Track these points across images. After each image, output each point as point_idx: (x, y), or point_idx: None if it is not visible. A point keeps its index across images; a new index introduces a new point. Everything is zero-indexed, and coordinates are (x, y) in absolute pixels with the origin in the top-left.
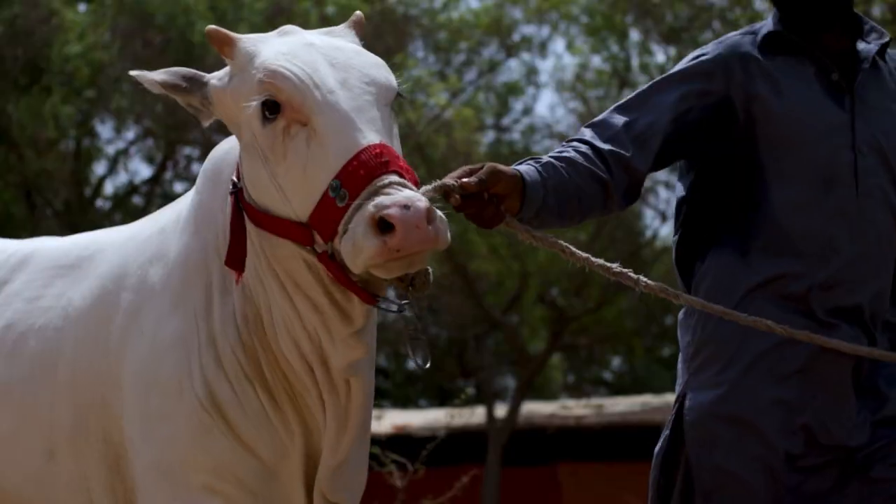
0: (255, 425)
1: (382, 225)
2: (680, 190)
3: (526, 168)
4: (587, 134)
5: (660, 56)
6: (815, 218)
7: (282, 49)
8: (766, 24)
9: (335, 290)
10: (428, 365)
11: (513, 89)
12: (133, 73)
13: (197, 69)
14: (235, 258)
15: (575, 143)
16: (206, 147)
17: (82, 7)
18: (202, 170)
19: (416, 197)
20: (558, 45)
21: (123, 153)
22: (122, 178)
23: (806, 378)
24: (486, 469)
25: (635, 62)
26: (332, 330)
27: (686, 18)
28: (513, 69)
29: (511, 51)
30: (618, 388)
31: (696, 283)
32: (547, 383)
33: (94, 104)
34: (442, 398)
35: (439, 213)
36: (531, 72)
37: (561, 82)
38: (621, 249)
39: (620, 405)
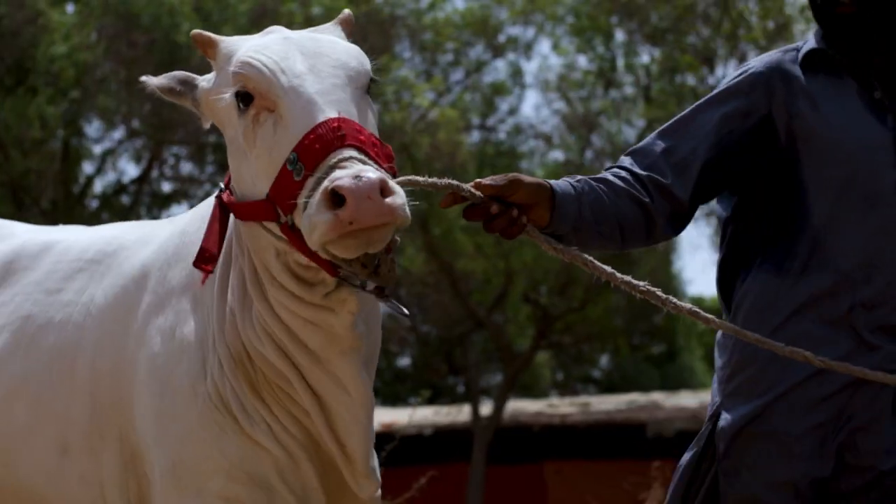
0: (256, 420)
1: (335, 198)
2: (722, 211)
3: (558, 182)
4: (626, 161)
5: (645, 56)
6: (856, 236)
7: (257, 44)
8: (809, 42)
9: (303, 271)
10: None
11: (499, 89)
12: (142, 78)
13: (182, 70)
14: (203, 259)
15: (614, 170)
16: (195, 146)
17: (70, 8)
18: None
19: (369, 169)
20: (544, 45)
21: (111, 153)
22: (110, 177)
23: (844, 399)
24: (472, 467)
25: (621, 62)
26: (314, 301)
27: (670, 19)
28: (499, 69)
29: (497, 51)
30: (607, 386)
31: (736, 303)
32: (536, 381)
33: (80, 104)
34: (431, 396)
35: (397, 186)
36: (516, 72)
37: (546, 83)
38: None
39: (607, 403)
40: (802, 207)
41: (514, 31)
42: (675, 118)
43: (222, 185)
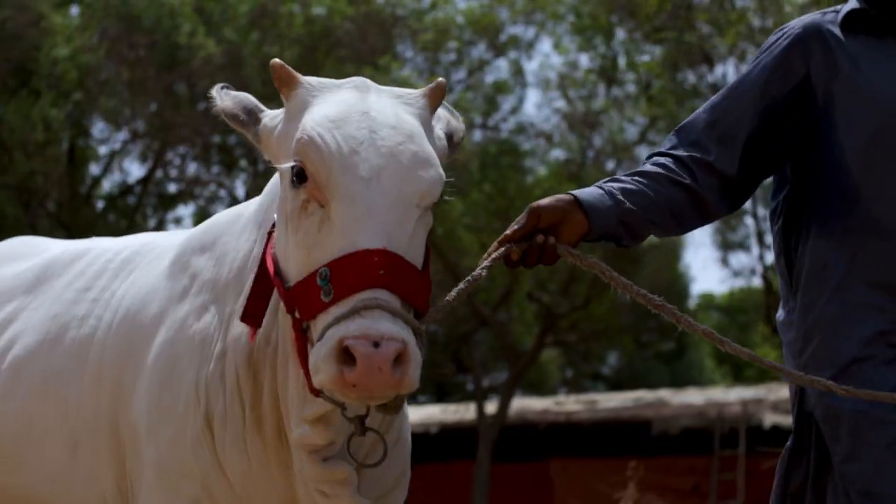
0: (231, 445)
1: (347, 354)
2: (774, 185)
3: (581, 189)
4: (668, 144)
5: (646, 55)
6: None
7: (333, 113)
8: (850, 3)
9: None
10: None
11: (501, 88)
12: (212, 91)
13: (181, 71)
14: (252, 312)
15: (653, 158)
16: (200, 147)
17: (74, 10)
18: (271, 180)
19: (392, 333)
20: (545, 44)
21: (117, 154)
22: (115, 178)
23: None
24: (477, 465)
25: (622, 61)
26: (296, 406)
27: (669, 18)
28: (501, 69)
29: (499, 50)
30: (615, 383)
31: (795, 274)
32: (545, 379)
33: (83, 106)
34: (439, 394)
35: (415, 352)
36: (518, 71)
37: (546, 81)
38: (609, 247)
39: (614, 401)
40: (839, 168)
41: (516, 30)
42: (722, 90)
43: (276, 216)
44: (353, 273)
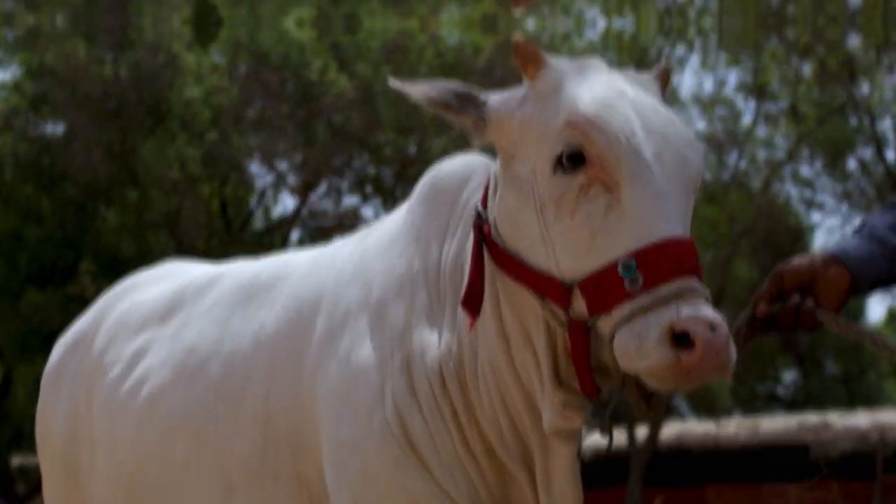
0: (449, 467)
1: (680, 338)
2: None
3: (835, 243)
4: None
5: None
6: None
7: (598, 94)
8: None
9: (564, 360)
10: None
11: None
12: (393, 83)
13: (313, 107)
14: (473, 300)
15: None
16: (354, 179)
17: (213, 50)
18: (418, 190)
19: (720, 319)
20: (692, 61)
21: (267, 190)
22: (272, 213)
23: None
24: (628, 490)
25: (770, 77)
26: (546, 393)
27: (812, 33)
28: None
29: (645, 69)
30: (790, 404)
31: None
32: (716, 400)
33: (222, 145)
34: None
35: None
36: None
37: (691, 99)
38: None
39: (777, 424)
40: None
41: (663, 47)
42: None
43: (479, 207)
44: (668, 261)
